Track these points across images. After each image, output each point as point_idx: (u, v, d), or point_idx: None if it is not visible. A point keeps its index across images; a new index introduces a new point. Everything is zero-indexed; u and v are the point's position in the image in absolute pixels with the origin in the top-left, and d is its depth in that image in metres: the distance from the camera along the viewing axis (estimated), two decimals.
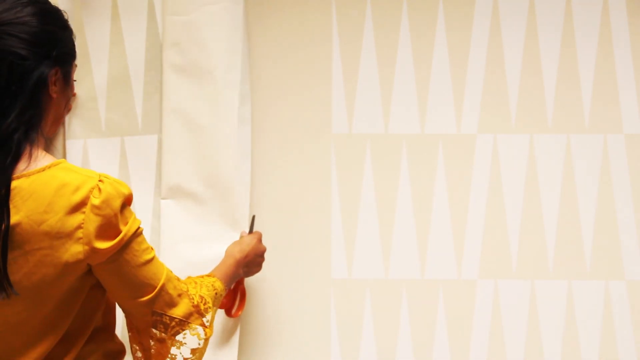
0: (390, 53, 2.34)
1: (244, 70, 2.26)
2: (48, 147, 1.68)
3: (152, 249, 1.69)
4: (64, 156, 2.26)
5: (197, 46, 2.24)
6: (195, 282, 1.83)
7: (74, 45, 1.71)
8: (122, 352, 1.79)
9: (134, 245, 1.64)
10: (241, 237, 2.19)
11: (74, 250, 1.59)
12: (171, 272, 1.73)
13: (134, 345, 1.75)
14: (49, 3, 1.68)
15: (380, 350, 2.33)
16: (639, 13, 2.31)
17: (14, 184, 1.57)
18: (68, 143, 2.26)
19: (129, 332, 1.75)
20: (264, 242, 2.23)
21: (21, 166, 1.59)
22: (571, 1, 2.32)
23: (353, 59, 2.35)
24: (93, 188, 1.58)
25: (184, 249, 2.24)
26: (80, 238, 1.58)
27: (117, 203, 1.60)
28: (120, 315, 1.79)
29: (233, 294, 2.23)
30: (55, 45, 1.63)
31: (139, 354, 1.75)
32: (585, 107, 2.33)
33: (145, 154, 2.30)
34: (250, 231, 2.22)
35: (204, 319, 1.76)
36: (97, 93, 2.29)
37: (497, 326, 2.32)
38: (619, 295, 2.31)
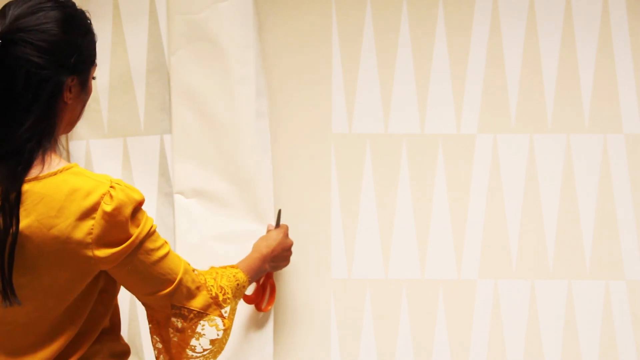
0: (390, 53, 2.34)
1: (258, 64, 2.26)
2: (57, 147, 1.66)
3: (166, 244, 1.69)
4: (68, 157, 2.25)
5: (210, 43, 2.24)
6: (217, 273, 1.83)
7: (94, 48, 1.67)
8: (127, 352, 1.79)
9: (148, 244, 1.64)
10: (268, 231, 2.20)
11: (84, 255, 1.58)
12: (188, 264, 1.73)
13: (155, 337, 1.76)
14: (74, 6, 1.64)
15: (380, 350, 2.33)
16: (639, 13, 2.32)
17: (26, 187, 1.56)
18: (71, 144, 2.26)
19: (149, 323, 1.76)
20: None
21: (35, 171, 1.58)
22: (571, 1, 2.33)
23: (353, 59, 2.34)
24: (104, 194, 1.57)
25: (211, 246, 2.25)
26: (90, 243, 1.57)
27: (128, 210, 1.59)
28: (125, 316, 1.79)
29: (262, 289, 2.24)
30: (74, 53, 1.60)
31: (160, 345, 1.76)
32: (585, 107, 2.33)
33: (148, 155, 2.30)
34: (277, 225, 2.23)
35: (223, 310, 1.77)
36: (100, 94, 2.28)
37: (497, 326, 2.32)
38: (618, 295, 2.31)
